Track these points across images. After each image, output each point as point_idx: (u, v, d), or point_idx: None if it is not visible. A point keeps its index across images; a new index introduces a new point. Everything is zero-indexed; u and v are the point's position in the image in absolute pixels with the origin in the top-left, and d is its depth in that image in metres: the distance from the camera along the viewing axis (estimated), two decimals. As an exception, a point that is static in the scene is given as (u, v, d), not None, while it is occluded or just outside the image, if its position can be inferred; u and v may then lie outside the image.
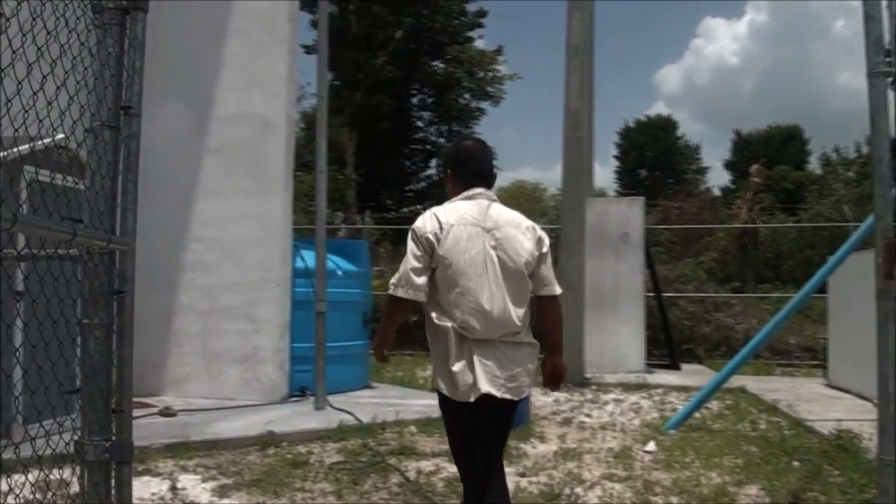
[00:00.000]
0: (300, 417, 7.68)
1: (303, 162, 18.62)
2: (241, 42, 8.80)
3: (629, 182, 39.18)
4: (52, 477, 2.89)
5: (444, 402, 3.37)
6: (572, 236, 11.27)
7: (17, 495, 2.86)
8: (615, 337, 12.10)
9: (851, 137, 35.23)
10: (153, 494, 5.00)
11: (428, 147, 34.48)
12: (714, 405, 8.72)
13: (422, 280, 3.25)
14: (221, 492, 5.13)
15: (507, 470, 5.77)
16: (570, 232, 11.32)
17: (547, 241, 3.47)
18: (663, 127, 41.14)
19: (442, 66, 32.95)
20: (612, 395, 9.77)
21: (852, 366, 9.58)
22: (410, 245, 3.30)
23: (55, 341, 3.10)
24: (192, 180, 8.83)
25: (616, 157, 42.11)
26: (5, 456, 2.88)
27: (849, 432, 6.41)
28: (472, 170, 3.50)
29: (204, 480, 5.40)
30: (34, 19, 2.63)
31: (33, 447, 2.85)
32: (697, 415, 7.87)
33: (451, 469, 5.80)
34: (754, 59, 68.47)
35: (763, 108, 61.71)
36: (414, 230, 3.33)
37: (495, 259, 3.29)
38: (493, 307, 3.25)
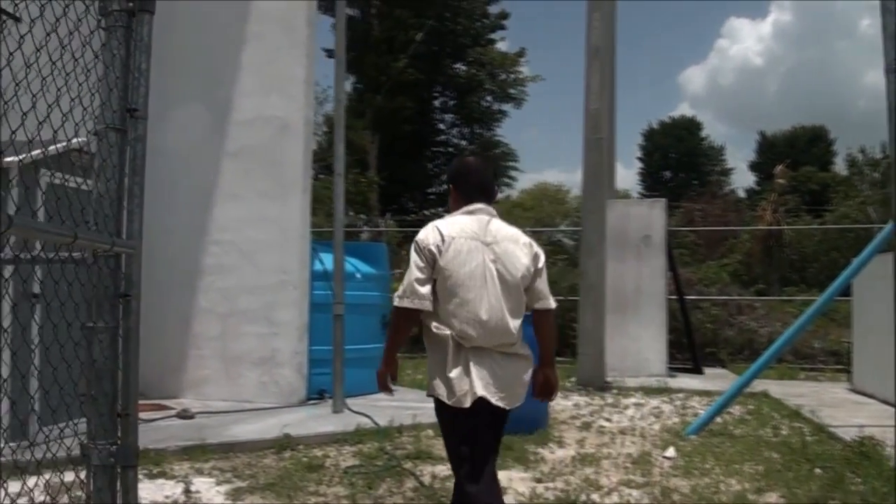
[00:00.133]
0: (317, 420, 7.66)
1: (325, 165, 18.69)
2: (258, 46, 8.83)
3: (653, 184, 38.93)
4: (65, 479, 2.88)
5: (441, 408, 3.43)
6: (593, 238, 11.19)
7: (31, 499, 2.85)
8: (637, 340, 12.01)
9: (878, 137, 34.73)
10: (167, 497, 4.99)
11: (450, 149, 34.41)
12: (736, 410, 8.60)
13: (426, 290, 3.35)
14: (235, 495, 5.12)
15: (523, 475, 5.79)
16: (590, 234, 11.24)
17: (543, 257, 3.58)
18: (687, 128, 40.84)
19: (464, 68, 32.90)
20: (632, 400, 9.68)
21: (876, 370, 9.41)
22: (414, 257, 3.41)
23: (70, 343, 3.09)
24: (210, 183, 8.87)
25: (640, 158, 41.91)
26: (22, 458, 2.89)
27: (872, 439, 6.27)
28: (472, 185, 3.61)
29: (218, 483, 5.39)
30: (39, 20, 2.64)
31: (49, 449, 2.85)
32: (719, 420, 7.77)
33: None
34: (779, 60, 67.89)
35: (788, 108, 61.16)
36: (417, 242, 3.42)
37: (494, 272, 3.39)
38: (490, 318, 3.34)
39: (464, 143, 34.32)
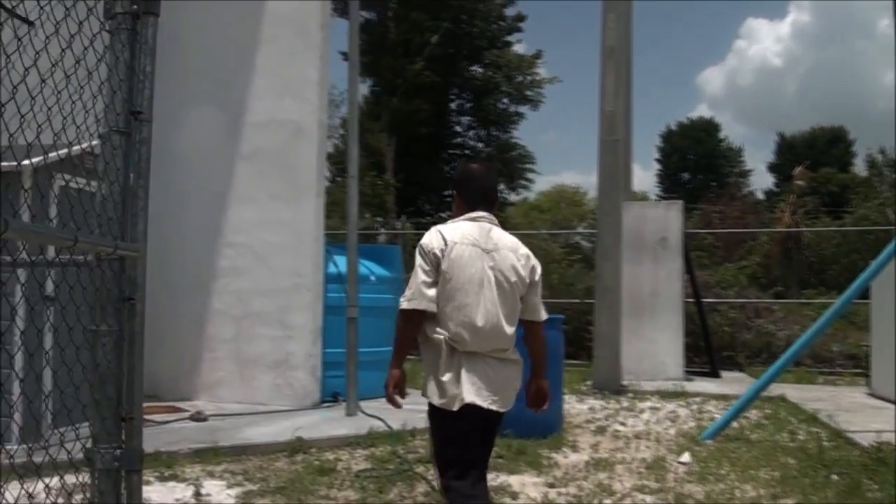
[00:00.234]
0: (330, 423, 7.65)
1: (342, 168, 18.68)
2: (272, 49, 8.84)
3: (671, 186, 38.73)
4: (71, 482, 2.86)
5: (433, 410, 3.52)
6: (609, 241, 11.12)
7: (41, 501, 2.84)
8: (653, 344, 11.91)
9: (897, 138, 34.44)
10: (177, 500, 4.99)
11: (466, 152, 34.40)
12: (753, 414, 8.51)
13: (433, 292, 3.43)
14: (245, 498, 5.11)
15: (536, 480, 5.76)
16: (606, 236, 11.17)
17: (539, 270, 3.66)
18: (705, 129, 40.60)
19: (480, 70, 32.88)
20: (648, 404, 9.60)
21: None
22: (419, 260, 3.49)
23: (78, 347, 3.09)
24: (224, 186, 8.88)
25: (658, 160, 41.70)
26: (28, 461, 2.88)
27: (889, 444, 6.19)
28: (475, 192, 3.69)
29: (229, 486, 5.38)
30: (44, 22, 2.64)
31: (48, 453, 2.84)
32: (735, 424, 7.69)
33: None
34: (798, 60, 67.41)
35: (807, 109, 60.68)
36: (421, 246, 3.51)
37: (492, 279, 3.47)
38: (485, 323, 3.42)
39: (480, 145, 34.31)
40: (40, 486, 2.68)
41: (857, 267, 15.12)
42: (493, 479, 5.73)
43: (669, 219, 12.34)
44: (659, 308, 12.03)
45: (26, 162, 5.20)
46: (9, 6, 2.88)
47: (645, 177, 55.93)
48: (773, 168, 38.84)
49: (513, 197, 34.31)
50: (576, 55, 57.53)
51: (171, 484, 5.38)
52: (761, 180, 57.84)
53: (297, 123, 8.74)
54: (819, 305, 14.71)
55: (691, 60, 71.88)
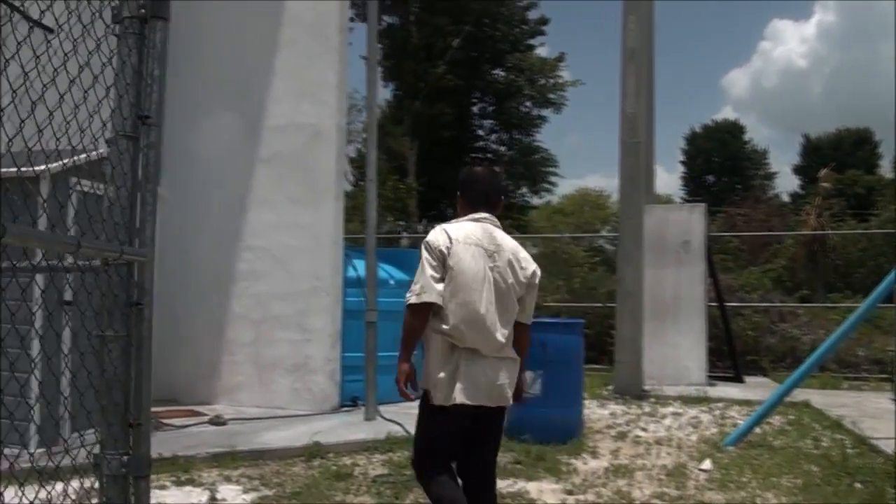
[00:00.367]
0: (349, 428, 7.63)
1: (364, 172, 18.71)
2: (291, 52, 8.84)
3: (696, 188, 38.42)
4: (80, 488, 2.85)
5: (425, 400, 3.67)
6: (630, 244, 11.03)
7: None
8: (676, 348, 11.78)
9: (925, 139, 34.00)
10: (191, 505, 4.99)
11: (489, 155, 34.27)
12: (776, 420, 8.38)
13: (440, 287, 3.54)
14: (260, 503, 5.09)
15: (554, 486, 5.69)
16: (628, 240, 11.07)
17: (539, 274, 3.80)
18: (730, 131, 40.25)
19: (503, 74, 32.78)
20: (670, 409, 9.49)
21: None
22: (426, 255, 3.59)
23: (87, 352, 3.08)
24: (243, 189, 8.90)
25: (683, 162, 41.40)
26: (37, 465, 2.87)
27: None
28: (477, 193, 3.81)
29: (245, 491, 5.37)
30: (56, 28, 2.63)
31: (52, 458, 2.83)
32: (758, 430, 7.57)
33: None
34: (823, 61, 66.71)
35: (833, 110, 60.02)
36: (428, 243, 3.61)
37: (492, 279, 3.60)
38: (485, 321, 3.55)
39: (503, 148, 34.19)
40: (51, 492, 2.66)
41: (883, 270, 14.87)
42: (511, 485, 5.69)
43: (692, 222, 12.21)
44: (682, 312, 11.90)
45: (44, 167, 5.24)
46: (26, 13, 2.88)
47: (670, 179, 55.54)
48: (798, 170, 38.45)
49: (535, 200, 34.18)
50: (600, 57, 57.27)
51: (188, 488, 5.38)
52: (786, 183, 57.28)
53: (316, 127, 8.74)
54: (844, 309, 14.47)
55: (716, 62, 71.34)
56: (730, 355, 12.61)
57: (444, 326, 3.53)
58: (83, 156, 5.05)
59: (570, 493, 5.54)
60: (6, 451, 2.85)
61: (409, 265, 10.11)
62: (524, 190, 34.13)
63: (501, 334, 3.60)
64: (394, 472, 6.00)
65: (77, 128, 2.66)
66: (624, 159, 11.11)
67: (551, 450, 6.69)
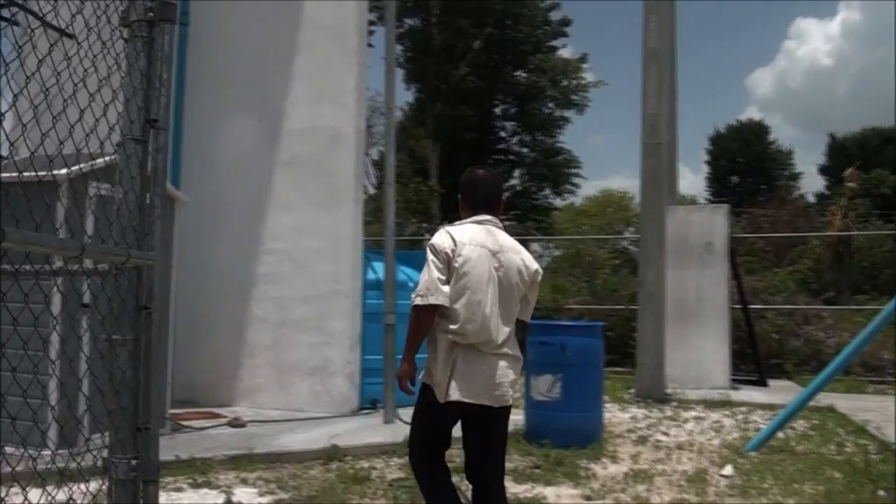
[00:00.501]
0: (367, 431, 7.61)
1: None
2: (309, 55, 8.85)
3: (720, 189, 38.06)
4: (89, 491, 2.84)
5: (424, 392, 3.76)
6: (652, 246, 10.93)
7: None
8: (699, 351, 11.66)
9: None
10: (208, 508, 4.98)
11: (511, 157, 34.24)
12: (799, 425, 8.26)
13: (446, 288, 3.61)
14: (276, 508, 5.08)
15: (572, 492, 5.63)
16: (649, 242, 10.98)
17: (541, 273, 3.91)
18: (755, 132, 39.82)
19: (525, 75, 32.69)
20: (692, 413, 9.38)
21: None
22: (432, 258, 3.67)
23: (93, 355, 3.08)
24: (263, 192, 8.92)
25: (707, 163, 41.04)
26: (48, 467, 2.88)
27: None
28: (479, 196, 3.90)
29: (261, 494, 5.36)
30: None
31: (54, 461, 2.83)
32: (781, 435, 7.46)
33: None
34: (848, 60, 65.77)
35: (859, 109, 59.10)
36: (433, 245, 3.70)
37: (496, 279, 3.68)
38: (489, 320, 3.63)
39: (525, 150, 34.11)
40: (55, 496, 2.66)
41: (911, 272, 14.67)
42: (529, 490, 5.65)
43: (715, 223, 12.09)
44: (704, 314, 11.78)
45: (63, 171, 5.27)
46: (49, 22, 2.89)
47: (695, 180, 55.06)
48: (823, 170, 37.96)
49: (558, 202, 34.04)
50: (624, 58, 56.93)
51: (204, 491, 5.38)
52: (812, 183, 56.59)
53: (335, 129, 8.74)
54: (870, 312, 14.23)
55: (740, 62, 70.64)
56: (753, 358, 12.46)
57: (452, 326, 3.60)
58: (101, 160, 5.09)
59: (588, 498, 5.49)
60: (14, 452, 2.85)
61: (429, 268, 10.09)
62: (547, 191, 34.02)
63: (503, 332, 3.68)
64: (411, 475, 5.93)
65: (89, 132, 2.66)
66: (645, 160, 11.02)
67: (570, 454, 6.64)
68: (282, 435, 7.26)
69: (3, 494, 2.73)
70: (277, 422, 7.91)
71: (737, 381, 11.79)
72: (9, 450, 2.91)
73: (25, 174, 2.84)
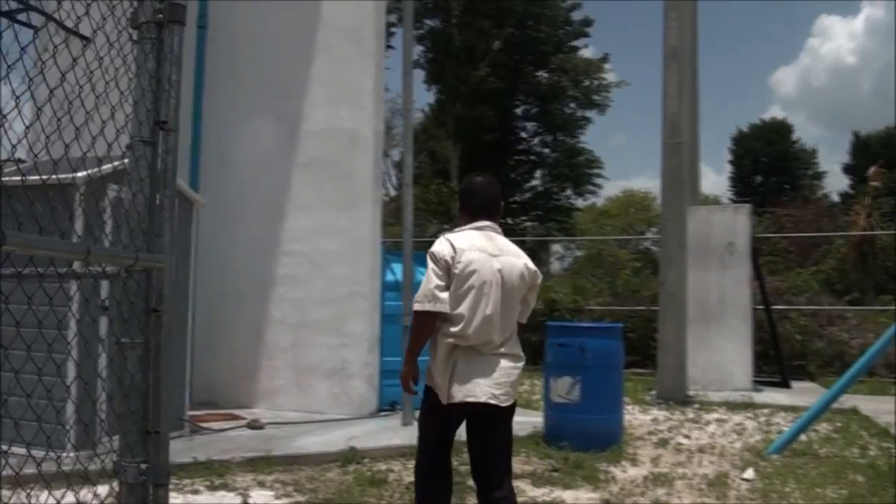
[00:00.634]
0: (385, 433, 7.59)
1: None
2: (327, 57, 8.85)
3: (743, 189, 37.72)
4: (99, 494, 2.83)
5: (427, 395, 3.88)
6: (673, 247, 10.84)
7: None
8: (720, 353, 11.54)
9: (978, 135, 32.85)
10: (224, 511, 4.98)
11: (532, 157, 34.15)
12: (822, 427, 8.15)
13: (445, 295, 3.71)
14: (292, 510, 5.07)
15: (592, 495, 5.58)
16: (670, 242, 10.88)
17: (540, 276, 3.99)
18: (778, 131, 39.41)
19: (546, 75, 32.59)
20: (714, 415, 9.29)
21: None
22: (432, 265, 3.79)
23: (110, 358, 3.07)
24: (281, 194, 8.93)
25: (731, 162, 40.69)
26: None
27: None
28: (477, 203, 4.00)
29: (277, 497, 5.35)
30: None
31: (59, 464, 2.82)
32: (804, 438, 7.37)
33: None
34: (872, 57, 64.79)
35: (883, 107, 58.16)
36: (433, 253, 3.81)
37: (498, 282, 3.76)
38: (490, 323, 3.71)
39: (546, 150, 34.00)
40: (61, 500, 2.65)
41: (937, 272, 14.43)
42: (547, 493, 5.61)
43: (737, 223, 11.96)
44: (727, 315, 11.66)
45: (82, 174, 5.29)
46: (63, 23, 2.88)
47: (718, 180, 54.60)
48: (847, 169, 37.44)
49: (580, 202, 33.90)
50: (646, 57, 56.59)
51: (221, 493, 5.38)
52: (836, 182, 55.94)
53: (353, 131, 8.73)
54: (894, 312, 14.04)
55: (763, 61, 69.97)
56: (776, 360, 12.32)
57: (453, 329, 3.70)
58: (120, 162, 5.10)
59: (606, 502, 5.44)
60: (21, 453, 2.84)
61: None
62: (568, 192, 33.89)
63: (504, 334, 3.78)
64: (428, 478, 5.93)
65: (96, 134, 2.66)
66: (666, 160, 10.94)
67: (590, 457, 6.58)
68: (300, 437, 7.26)
69: (19, 497, 2.72)
70: (296, 424, 7.91)
71: (759, 383, 11.65)
72: (20, 451, 2.91)
73: (43, 177, 2.85)
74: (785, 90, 68.90)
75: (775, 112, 75.02)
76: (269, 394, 8.79)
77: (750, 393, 10.78)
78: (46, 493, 2.52)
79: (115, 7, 2.67)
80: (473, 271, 3.71)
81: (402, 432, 7.61)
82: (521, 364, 3.86)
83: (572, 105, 33.21)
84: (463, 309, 3.69)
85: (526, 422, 7.89)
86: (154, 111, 2.72)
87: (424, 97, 32.45)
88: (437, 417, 3.83)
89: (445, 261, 3.73)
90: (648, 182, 75.21)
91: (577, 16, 32.83)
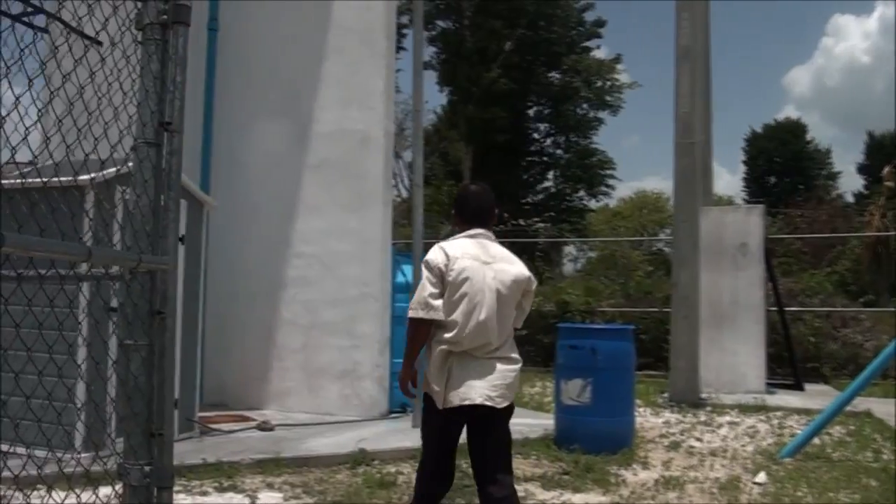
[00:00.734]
0: (396, 435, 7.56)
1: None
2: (338, 59, 8.85)
3: (757, 189, 37.49)
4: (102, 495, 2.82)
5: (427, 401, 3.93)
6: (686, 248, 10.77)
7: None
8: (733, 355, 11.46)
9: None
10: (232, 513, 4.97)
11: (545, 158, 34.08)
12: (835, 430, 8.07)
13: (439, 303, 3.78)
14: (301, 512, 5.05)
15: (602, 499, 5.54)
16: (683, 243, 10.82)
17: (534, 281, 4.05)
18: (792, 131, 39.16)
19: (558, 76, 32.51)
20: (727, 418, 9.22)
21: None
22: (426, 274, 3.85)
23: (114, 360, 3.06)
24: (292, 196, 8.93)
25: (745, 163, 40.45)
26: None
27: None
28: (471, 211, 4.07)
29: (286, 499, 5.34)
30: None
31: (60, 468, 2.82)
32: (817, 441, 7.30)
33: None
34: (886, 57, 64.22)
35: (896, 107, 57.71)
36: (427, 262, 3.88)
37: (489, 289, 3.81)
38: (484, 329, 3.77)
39: (559, 152, 33.91)
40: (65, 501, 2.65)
41: (953, 273, 14.27)
42: (557, 497, 5.57)
43: (750, 224, 11.88)
44: (739, 317, 11.58)
45: (88, 176, 5.29)
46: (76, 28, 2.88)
47: (732, 181, 54.31)
48: (862, 169, 37.12)
49: (593, 203, 33.81)
50: (660, 58, 56.39)
51: (229, 495, 5.37)
52: (851, 182, 55.50)
53: (364, 132, 8.72)
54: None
55: (777, 61, 69.58)
56: (789, 362, 12.23)
57: (447, 335, 3.76)
58: (131, 164, 5.11)
59: (617, 505, 5.39)
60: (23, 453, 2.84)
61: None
62: (581, 193, 33.80)
63: (499, 339, 3.84)
64: (438, 480, 5.90)
65: (99, 136, 2.66)
66: (678, 160, 10.88)
67: (601, 460, 6.54)
68: (310, 439, 7.25)
69: (26, 498, 2.72)
70: (306, 425, 7.90)
71: (772, 385, 11.56)
72: (23, 452, 2.91)
73: (61, 179, 2.84)
74: (799, 90, 68.52)
75: (789, 112, 74.61)
76: (280, 395, 8.79)
77: (763, 395, 10.69)
78: (47, 494, 2.51)
79: (118, 8, 2.66)
80: (466, 279, 3.78)
81: (412, 434, 7.57)
82: (517, 367, 3.91)
83: (585, 106, 33.12)
84: (456, 316, 3.76)
85: (537, 424, 7.86)
86: (158, 112, 2.71)
87: (437, 98, 32.50)
88: (437, 423, 3.90)
89: (439, 268, 3.81)
90: (661, 183, 74.64)
91: (589, 16, 32.77)
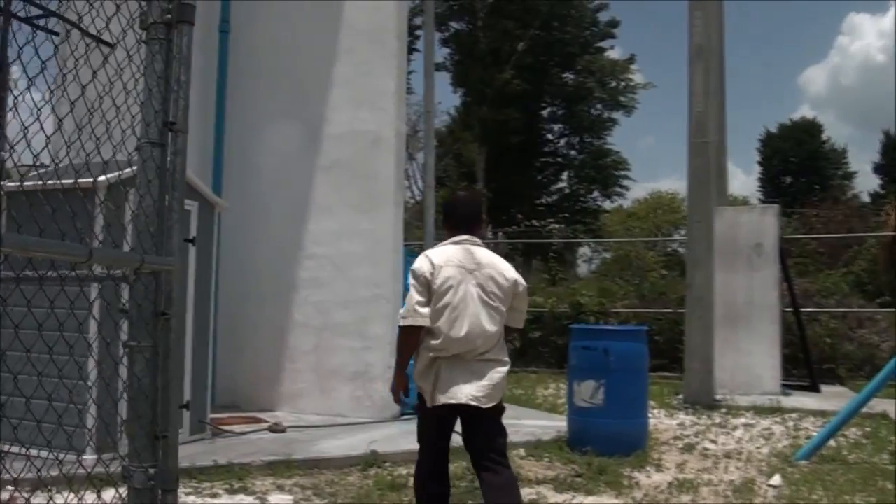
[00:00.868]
0: (408, 437, 7.48)
1: (436, 178, 18.67)
2: (349, 60, 8.83)
3: (772, 189, 37.25)
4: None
5: (419, 399, 4.08)
6: (700, 248, 10.70)
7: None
8: (748, 356, 11.35)
9: None
10: (242, 515, 4.95)
11: (559, 159, 34.03)
12: (851, 432, 7.98)
13: (426, 310, 3.92)
14: (311, 514, 5.03)
15: (615, 502, 5.49)
16: (697, 243, 10.75)
17: (523, 284, 4.17)
18: (807, 130, 38.86)
19: (572, 77, 32.44)
20: (742, 420, 9.14)
21: None
22: (413, 282, 3.99)
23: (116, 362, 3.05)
24: (303, 197, 8.92)
25: (760, 163, 40.21)
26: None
27: None
28: (458, 218, 4.20)
29: (296, 502, 5.33)
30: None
31: (61, 468, 2.80)
32: (832, 443, 7.21)
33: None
34: (901, 55, 63.84)
35: (913, 106, 57.20)
36: (413, 270, 4.01)
37: (475, 295, 3.96)
38: (470, 334, 3.91)
39: (573, 152, 33.84)
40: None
41: (971, 273, 14.09)
42: (570, 499, 5.53)
43: (765, 224, 11.78)
44: (754, 318, 11.48)
45: (103, 178, 5.29)
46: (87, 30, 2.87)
47: (747, 181, 54.00)
48: (878, 169, 36.79)
49: (607, 204, 33.70)
50: (674, 58, 56.17)
51: (240, 497, 5.36)
52: (867, 182, 55.06)
53: (375, 134, 8.70)
54: (925, 315, 13.74)
55: (793, 60, 69.13)
56: (805, 363, 12.11)
57: (433, 342, 3.91)
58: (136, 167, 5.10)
59: (629, 508, 5.34)
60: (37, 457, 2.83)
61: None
62: (595, 194, 33.71)
63: (486, 343, 3.96)
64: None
65: (100, 135, 2.65)
66: (692, 160, 10.80)
67: (614, 462, 6.49)
68: (321, 441, 7.23)
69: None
70: (318, 427, 7.88)
71: (788, 387, 11.45)
72: (31, 454, 2.90)
73: (78, 181, 2.83)
74: (814, 89, 68.03)
75: (805, 111, 73.98)
76: (292, 397, 8.78)
77: (778, 397, 10.59)
78: (48, 496, 2.49)
79: (121, 7, 2.64)
80: (450, 287, 3.91)
81: (424, 436, 7.55)
82: (504, 369, 4.03)
83: (599, 106, 33.05)
84: (441, 322, 3.90)
85: (550, 426, 7.82)
86: (163, 112, 2.70)
87: (450, 100, 32.51)
88: (429, 420, 4.08)
89: (425, 277, 3.94)
90: (676, 184, 74.25)
91: (603, 17, 32.69)
